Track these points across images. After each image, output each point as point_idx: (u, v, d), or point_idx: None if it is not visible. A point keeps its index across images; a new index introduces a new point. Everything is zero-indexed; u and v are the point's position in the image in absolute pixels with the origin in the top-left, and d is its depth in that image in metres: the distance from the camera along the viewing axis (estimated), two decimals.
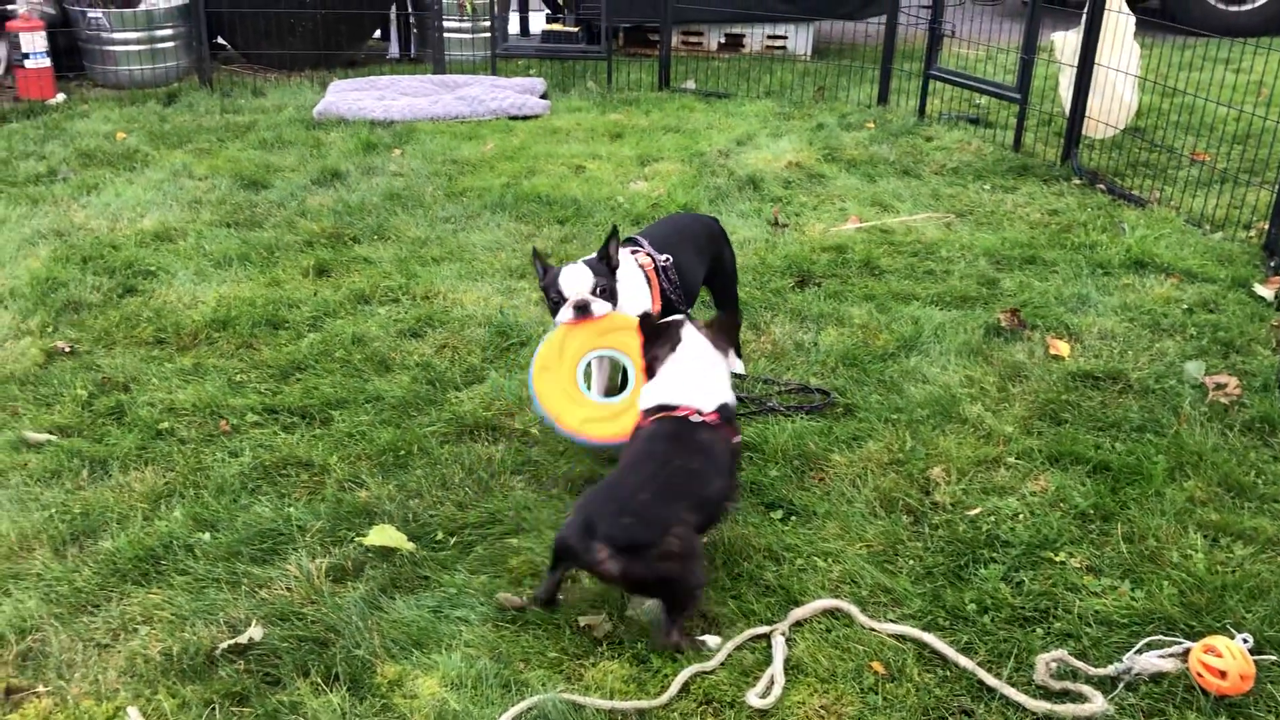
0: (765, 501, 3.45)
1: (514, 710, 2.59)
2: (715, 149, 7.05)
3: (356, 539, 3.24)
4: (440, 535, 3.30)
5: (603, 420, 3.46)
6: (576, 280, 3.51)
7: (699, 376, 3.07)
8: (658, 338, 3.15)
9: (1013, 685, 2.71)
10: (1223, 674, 2.65)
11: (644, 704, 2.66)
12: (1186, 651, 2.76)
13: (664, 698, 2.67)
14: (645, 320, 3.20)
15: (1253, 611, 2.92)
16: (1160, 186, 6.29)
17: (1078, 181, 6.45)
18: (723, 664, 2.80)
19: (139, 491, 3.48)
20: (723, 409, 3.06)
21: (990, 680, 2.73)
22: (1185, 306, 4.73)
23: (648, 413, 3.07)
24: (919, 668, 2.80)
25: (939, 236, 5.61)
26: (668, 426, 2.99)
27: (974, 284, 5.00)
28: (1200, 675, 2.68)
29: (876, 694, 2.71)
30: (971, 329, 4.53)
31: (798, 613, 2.97)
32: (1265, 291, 4.79)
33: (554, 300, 3.54)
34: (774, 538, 3.28)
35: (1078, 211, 5.96)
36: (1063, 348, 4.37)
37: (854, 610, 2.97)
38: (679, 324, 3.16)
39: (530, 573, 3.13)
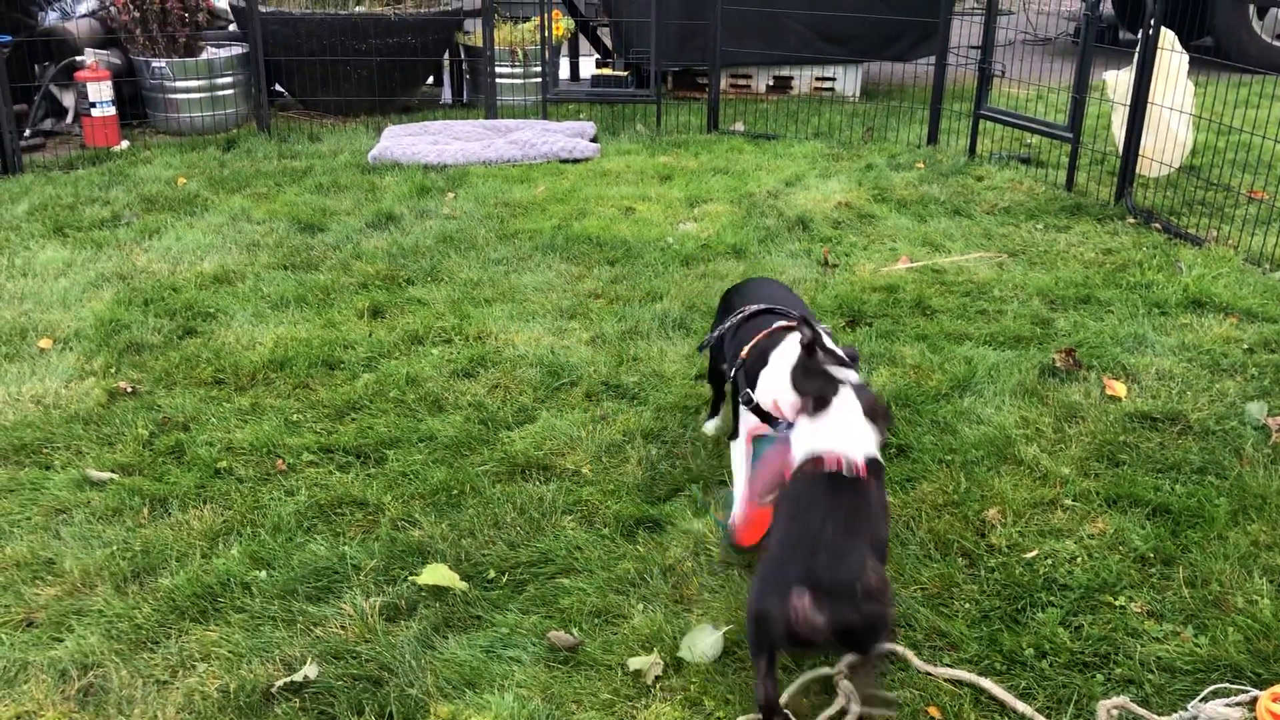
0: None
1: None
2: (764, 190, 7.07)
3: (410, 578, 3.26)
4: (492, 574, 3.31)
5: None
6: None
7: (853, 426, 2.81)
8: (819, 376, 2.90)
9: None
10: None
11: None
12: (1254, 700, 2.69)
13: None
14: (808, 355, 2.96)
15: None
16: (1217, 225, 6.20)
17: (1132, 220, 6.38)
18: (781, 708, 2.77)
19: (197, 530, 3.54)
20: (872, 463, 2.81)
21: None
22: (1245, 346, 4.65)
23: (802, 460, 2.80)
24: (976, 713, 2.75)
25: (991, 276, 5.57)
26: (826, 473, 2.73)
27: (1028, 324, 4.95)
28: None
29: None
30: (1026, 369, 4.48)
31: (854, 656, 2.93)
32: None
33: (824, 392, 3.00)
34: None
35: (1133, 250, 5.89)
36: (1120, 388, 4.31)
37: (909, 654, 2.93)
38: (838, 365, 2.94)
39: (582, 612, 3.12)
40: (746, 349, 3.35)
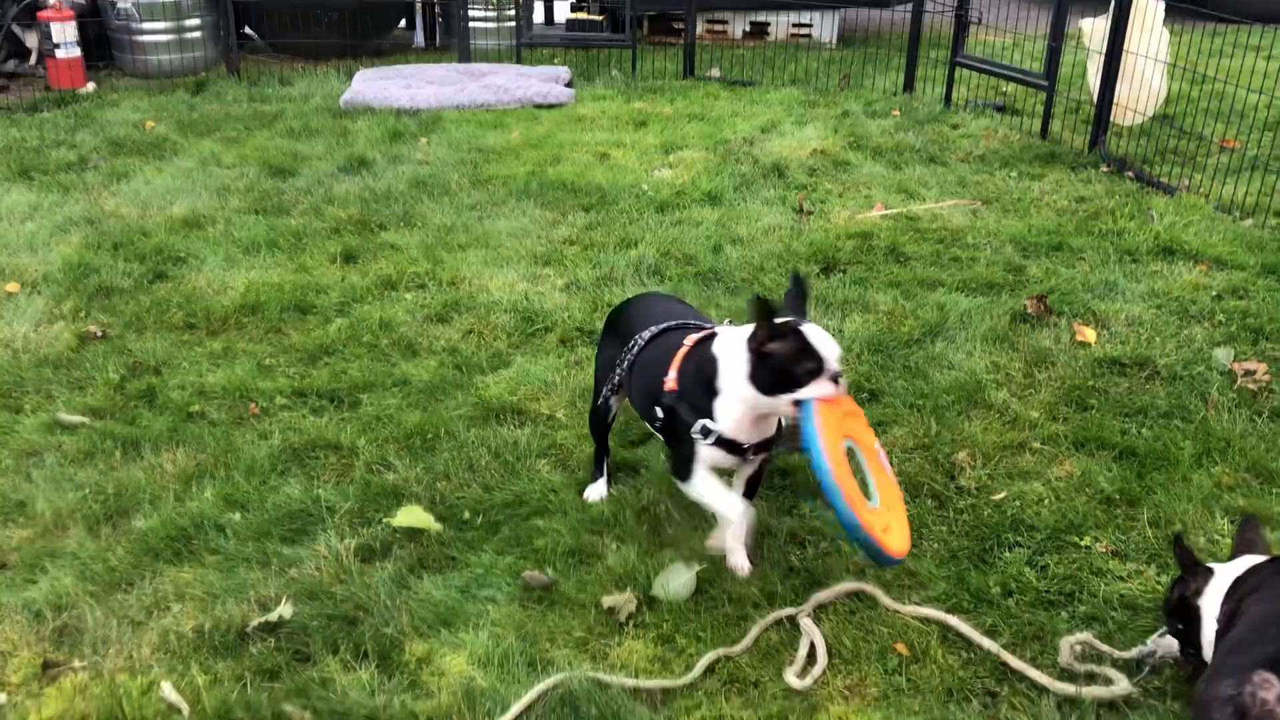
0: (790, 487, 3.46)
1: (539, 688, 2.62)
2: (740, 136, 7.04)
3: (384, 520, 3.28)
4: (467, 516, 3.33)
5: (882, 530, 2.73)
6: (833, 344, 2.79)
7: None
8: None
9: (1037, 667, 2.71)
10: None
11: (669, 683, 2.68)
12: None
13: (689, 677, 2.69)
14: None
15: None
16: (1189, 174, 6.24)
17: (1105, 169, 6.40)
18: (749, 647, 2.81)
19: (171, 473, 3.53)
20: None
21: (1015, 662, 2.73)
22: (1214, 293, 4.70)
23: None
24: (943, 650, 2.81)
25: (965, 223, 5.59)
26: None
27: (1000, 271, 4.98)
28: None
29: (900, 675, 2.72)
30: (998, 315, 4.52)
31: (821, 595, 2.98)
32: None
33: (806, 369, 2.74)
34: (798, 522, 3.30)
35: (1105, 199, 5.92)
36: (1089, 334, 4.35)
37: (878, 593, 2.98)
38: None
39: (556, 552, 3.15)
40: (671, 378, 2.93)
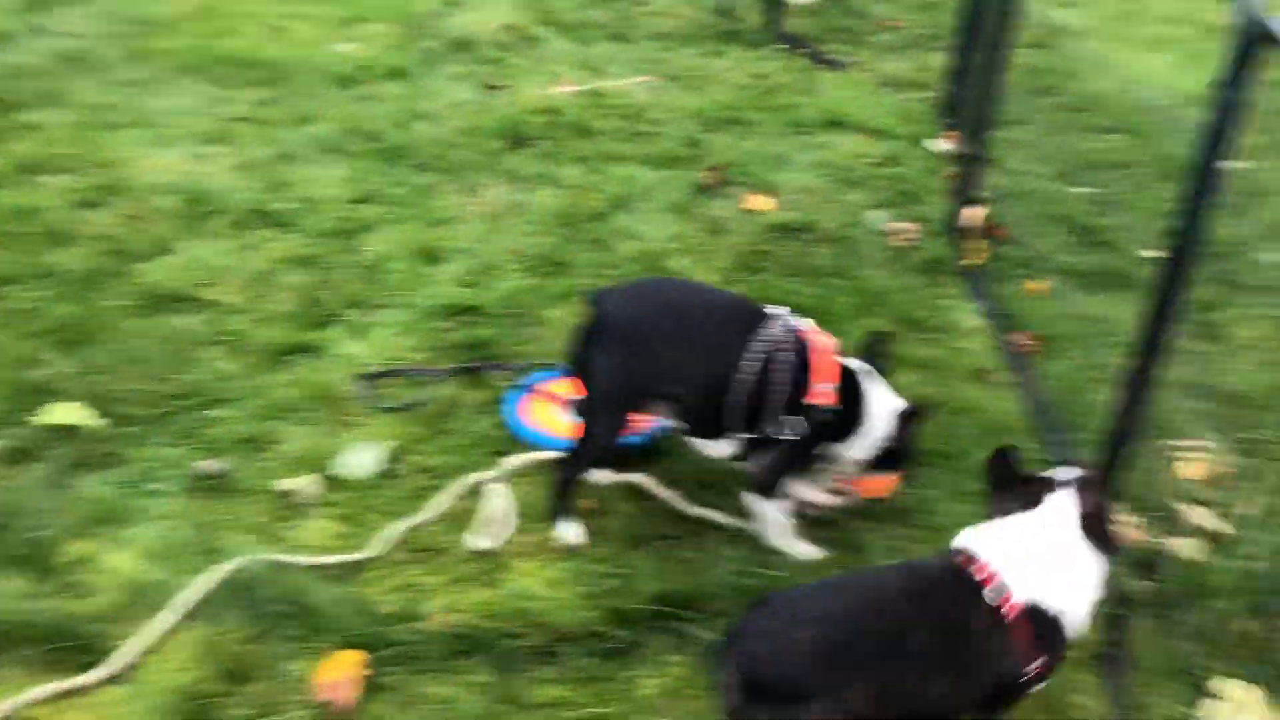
0: (482, 357, 3.46)
1: (214, 575, 2.52)
2: (426, 9, 6.77)
3: (33, 419, 3.01)
4: (131, 410, 3.12)
5: None
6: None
7: (1041, 555, 2.07)
8: (1013, 489, 2.16)
9: (711, 509, 2.88)
10: None
11: (353, 557, 2.65)
12: None
13: (373, 551, 2.68)
14: (1000, 462, 2.20)
15: None
16: (856, 51, 6.60)
17: (781, 47, 6.66)
18: (436, 516, 2.82)
19: None
20: (1038, 615, 2.01)
21: (693, 509, 2.88)
22: (872, 161, 5.04)
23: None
24: (627, 504, 2.93)
25: (649, 99, 5.68)
26: (939, 568, 2.09)
27: (681, 145, 5.11)
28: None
29: (587, 528, 2.82)
30: (678, 187, 4.65)
31: (513, 461, 3.02)
32: (942, 146, 5.17)
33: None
34: (488, 392, 3.31)
35: (781, 75, 6.17)
36: (763, 202, 4.57)
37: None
38: (1047, 484, 2.19)
39: (231, 441, 3.02)
40: (827, 390, 2.63)
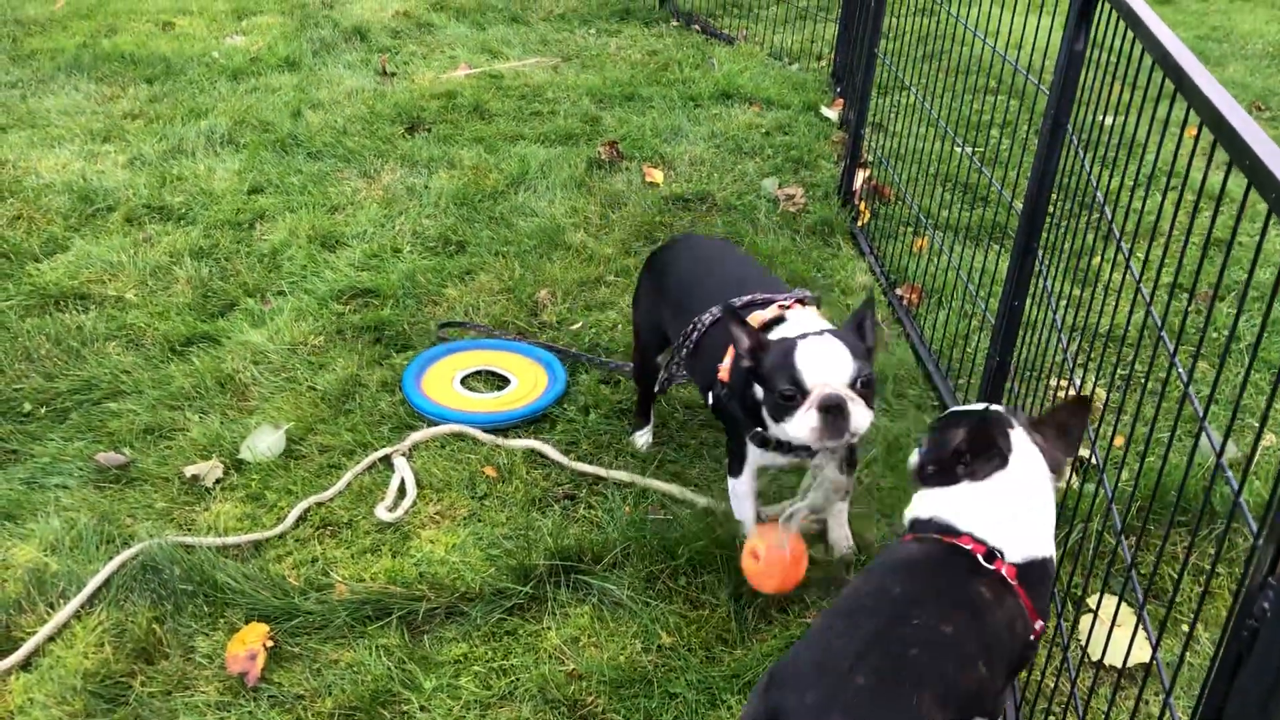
0: (380, 340, 3.51)
1: (117, 560, 2.54)
2: (319, 0, 6.75)
3: None
4: (28, 408, 3.11)
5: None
6: (830, 362, 2.21)
7: (1017, 507, 1.95)
8: (976, 441, 1.96)
9: (609, 469, 2.98)
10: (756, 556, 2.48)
11: (259, 535, 2.69)
12: None
13: (279, 528, 2.72)
14: (979, 428, 1.97)
15: None
16: (747, 25, 6.73)
17: (675, 23, 6.76)
18: (341, 491, 2.87)
19: None
20: (1030, 568, 1.92)
21: (590, 469, 2.97)
22: (764, 131, 5.17)
23: (913, 527, 2.02)
24: (527, 468, 3.00)
25: (546, 79, 5.74)
26: (927, 556, 1.95)
27: (578, 122, 5.19)
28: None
29: (491, 496, 2.89)
30: (575, 163, 4.73)
31: (417, 435, 3.08)
32: (830, 113, 5.32)
33: (782, 396, 2.22)
34: (389, 372, 3.36)
35: (674, 50, 6.27)
36: (658, 175, 4.67)
37: (475, 432, 3.10)
38: (1004, 422, 2.00)
39: (133, 432, 3.03)
40: (726, 366, 2.43)
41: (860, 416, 2.18)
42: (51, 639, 2.39)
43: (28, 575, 2.52)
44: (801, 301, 2.51)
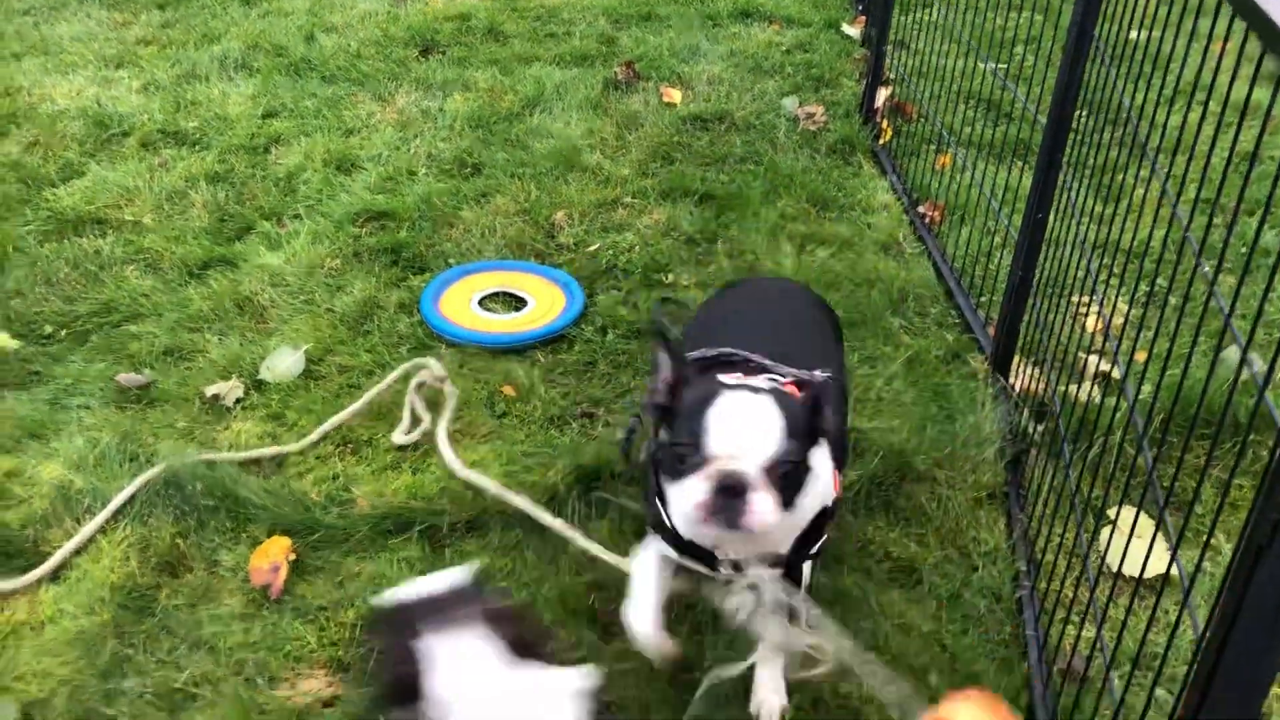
0: (396, 262, 3.50)
1: (142, 477, 2.57)
2: None
3: None
4: (49, 330, 3.13)
5: None
6: (749, 430, 1.72)
7: None
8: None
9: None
10: None
11: (282, 449, 2.71)
12: None
13: (303, 443, 2.74)
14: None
15: (828, 296, 3.33)
16: None
17: None
18: (361, 411, 2.88)
19: None
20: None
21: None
22: (784, 49, 5.07)
23: None
24: (546, 387, 3.00)
25: (561, 0, 5.64)
26: None
27: (594, 43, 5.11)
28: None
29: (510, 415, 2.90)
30: (591, 85, 4.66)
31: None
32: (852, 30, 5.22)
33: (678, 448, 1.74)
34: (406, 293, 3.35)
35: None
36: (675, 95, 4.60)
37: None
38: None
39: (153, 353, 3.04)
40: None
41: (762, 511, 1.68)
42: (78, 553, 2.43)
43: (54, 492, 2.55)
44: (800, 385, 1.94)
